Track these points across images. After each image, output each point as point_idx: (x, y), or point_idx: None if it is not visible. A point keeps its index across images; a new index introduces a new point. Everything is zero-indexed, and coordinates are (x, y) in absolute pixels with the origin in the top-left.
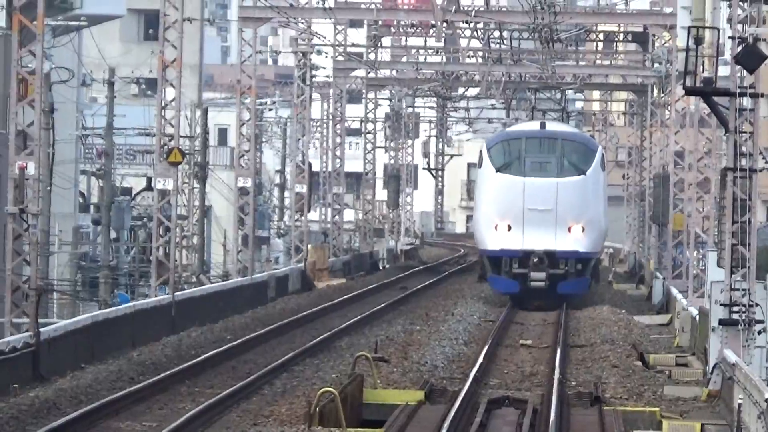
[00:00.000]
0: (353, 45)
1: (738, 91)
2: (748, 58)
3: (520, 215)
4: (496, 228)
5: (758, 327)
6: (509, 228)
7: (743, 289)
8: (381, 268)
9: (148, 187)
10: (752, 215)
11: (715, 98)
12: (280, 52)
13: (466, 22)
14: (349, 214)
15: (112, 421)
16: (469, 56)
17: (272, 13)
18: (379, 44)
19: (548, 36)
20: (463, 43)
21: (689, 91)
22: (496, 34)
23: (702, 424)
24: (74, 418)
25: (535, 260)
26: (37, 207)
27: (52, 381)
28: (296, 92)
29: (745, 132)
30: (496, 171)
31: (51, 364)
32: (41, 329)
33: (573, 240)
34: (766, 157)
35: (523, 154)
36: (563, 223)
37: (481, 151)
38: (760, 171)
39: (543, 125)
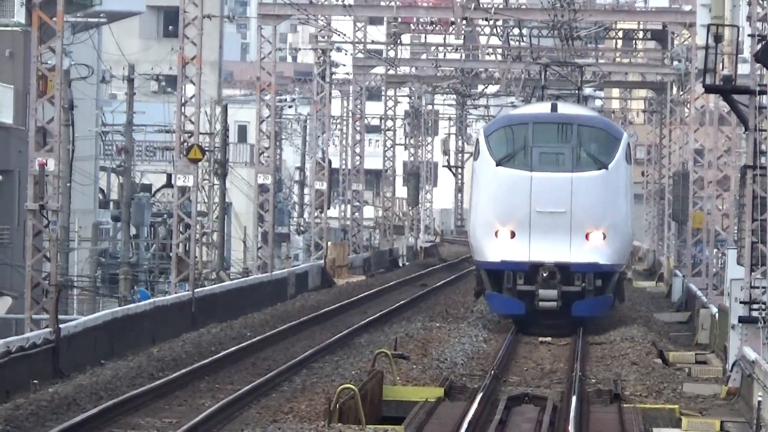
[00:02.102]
0: (373, 42)
1: (758, 88)
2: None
3: (526, 219)
4: (496, 235)
5: None
6: (513, 235)
7: (763, 287)
8: (401, 265)
9: (168, 184)
10: None
11: (735, 96)
12: (299, 49)
13: (486, 20)
14: (368, 212)
15: (132, 417)
16: (488, 53)
17: (292, 10)
18: (398, 41)
19: (568, 33)
20: (483, 40)
21: (709, 89)
22: (516, 31)
23: (721, 422)
24: (94, 415)
25: (544, 275)
26: (57, 203)
27: (72, 377)
28: (316, 89)
29: (766, 130)
30: (497, 164)
31: (70, 360)
32: (61, 325)
33: (592, 250)
34: None
35: (530, 143)
36: (580, 229)
37: (477, 140)
38: None
39: (555, 107)
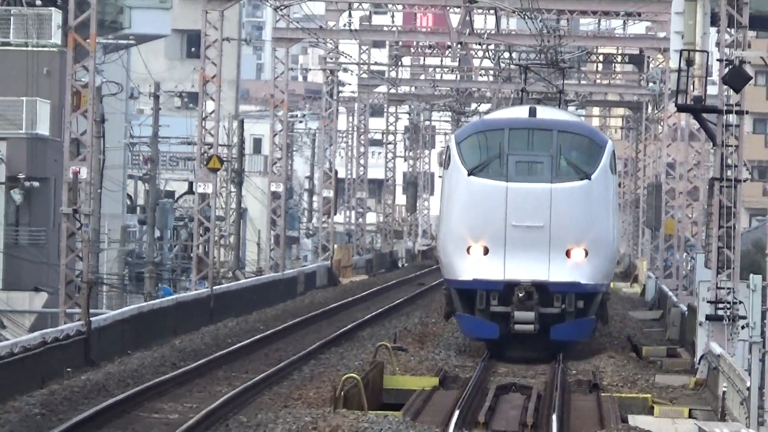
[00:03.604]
0: (376, 63)
1: (725, 108)
2: (735, 78)
3: (500, 234)
4: (468, 251)
5: (741, 322)
6: (486, 251)
7: (728, 288)
8: (400, 266)
9: (190, 191)
10: (736, 221)
11: (704, 115)
12: (309, 69)
13: (479, 44)
14: (371, 217)
15: (156, 403)
16: (481, 75)
17: (303, 34)
18: (399, 63)
19: (553, 57)
20: (476, 62)
21: (681, 108)
22: (506, 55)
23: (690, 410)
24: (121, 399)
25: (520, 295)
26: (89, 208)
27: (102, 365)
28: (324, 106)
29: (731, 146)
30: (469, 174)
31: (101, 351)
32: (92, 319)
33: (573, 268)
34: (749, 169)
35: (506, 150)
36: (560, 245)
37: (448, 147)
38: (744, 181)
39: (533, 111)
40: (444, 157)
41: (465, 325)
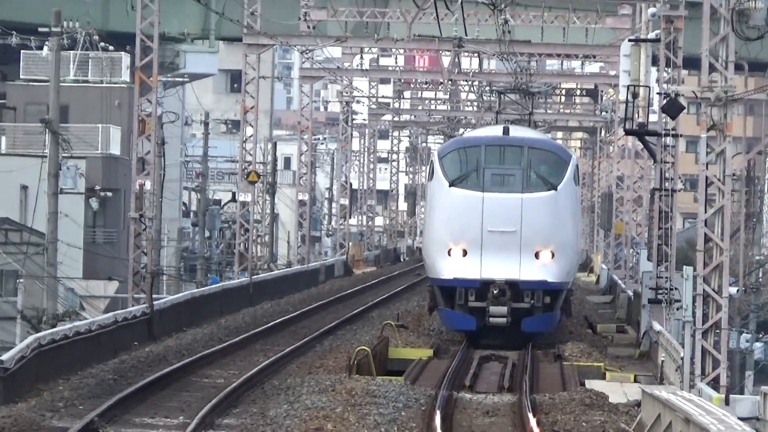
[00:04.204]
0: (382, 97)
1: (663, 132)
2: (671, 108)
3: (477, 238)
4: (449, 253)
5: (676, 305)
6: (465, 253)
7: (666, 277)
8: (402, 260)
9: (233, 200)
10: (673, 224)
11: (647, 137)
12: (329, 101)
13: (465, 81)
14: (378, 220)
15: (206, 370)
16: (467, 105)
17: (324, 73)
18: (401, 96)
19: (525, 91)
20: (463, 96)
21: (628, 132)
22: (487, 89)
23: (635, 375)
24: (178, 368)
25: (495, 292)
26: (152, 213)
27: (162, 340)
28: (341, 131)
29: (668, 162)
30: (450, 185)
31: (161, 328)
32: (154, 302)
33: (541, 268)
34: (683, 181)
35: (482, 164)
36: (529, 248)
37: (432, 161)
38: (679, 191)
39: (506, 130)
40: (428, 170)
41: (446, 318)
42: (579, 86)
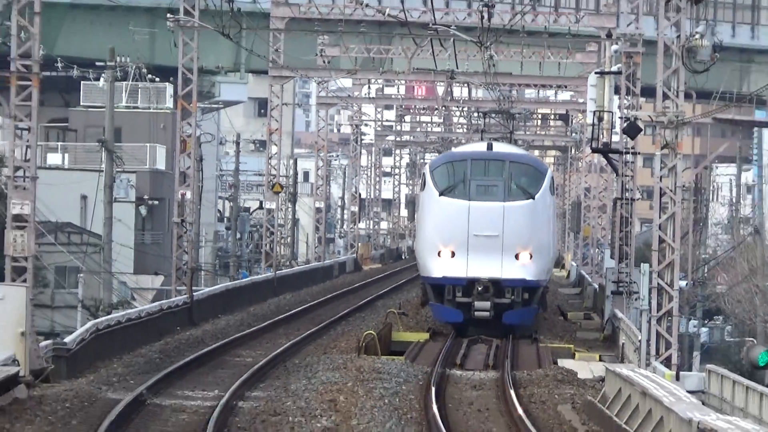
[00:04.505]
0: (386, 120)
1: (624, 150)
2: (630, 130)
3: (464, 241)
4: (439, 254)
5: (635, 296)
6: (453, 254)
7: (626, 273)
8: (403, 258)
9: (260, 207)
10: (632, 227)
11: (610, 155)
12: (341, 124)
13: (456, 107)
14: (383, 224)
15: (237, 350)
16: (458, 127)
17: (337, 100)
18: (402, 120)
19: (507, 113)
20: (455, 119)
21: (594, 150)
22: (475, 113)
23: (599, 355)
24: (214, 348)
25: (479, 289)
26: (192, 218)
27: (200, 325)
28: (351, 149)
29: (628, 176)
30: (440, 194)
31: (199, 315)
32: (194, 293)
33: (520, 268)
34: (641, 192)
35: (468, 176)
36: (510, 250)
37: (423, 173)
38: (637, 200)
39: (490, 146)
40: (420, 181)
41: (436, 311)
42: (553, 111)
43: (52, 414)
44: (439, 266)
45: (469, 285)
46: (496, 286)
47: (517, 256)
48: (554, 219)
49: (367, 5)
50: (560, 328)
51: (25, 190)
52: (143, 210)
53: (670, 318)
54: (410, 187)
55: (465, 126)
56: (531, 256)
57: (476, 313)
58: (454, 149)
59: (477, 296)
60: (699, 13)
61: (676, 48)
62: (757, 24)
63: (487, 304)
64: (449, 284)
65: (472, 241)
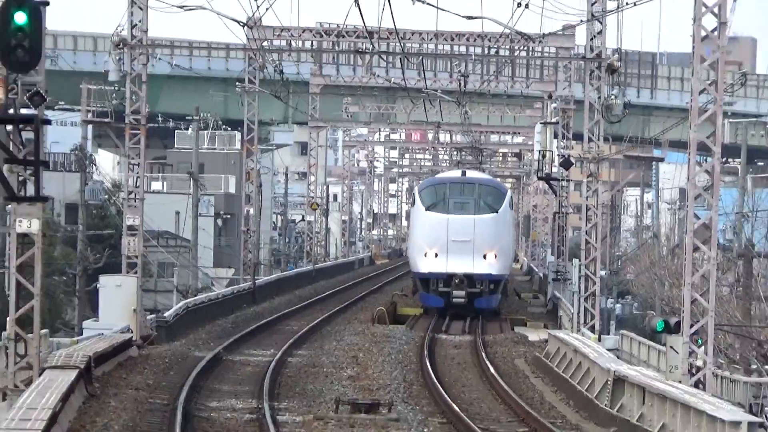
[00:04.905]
0: (392, 157)
1: (561, 178)
2: (565, 164)
3: (444, 245)
4: (425, 255)
5: (568, 282)
6: (436, 255)
7: (563, 265)
8: (403, 255)
9: (302, 219)
10: (566, 233)
11: (551, 182)
12: (360, 160)
13: (442, 147)
14: (390, 231)
15: (287, 320)
16: (443, 162)
17: (357, 143)
18: (403, 157)
19: (478, 152)
20: (441, 156)
21: (539, 178)
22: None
23: (544, 324)
24: (270, 320)
25: (456, 281)
26: (254, 228)
27: (260, 303)
28: (367, 178)
29: (563, 196)
30: (426, 209)
31: (260, 296)
32: (256, 281)
33: (487, 265)
34: (572, 208)
35: (448, 196)
36: (479, 251)
37: (413, 193)
38: (569, 214)
39: (464, 173)
40: (411, 199)
41: (423, 299)
42: (510, 151)
43: (155, 367)
44: (425, 264)
45: (448, 278)
46: (469, 279)
47: (485, 256)
48: (513, 227)
49: (378, 75)
50: (516, 305)
51: (135, 207)
52: (219, 222)
53: (593, 297)
54: (408, 205)
55: (447, 160)
56: (496, 256)
57: (454, 299)
58: (436, 175)
59: (455, 287)
60: (613, 80)
61: (598, 106)
62: (655, 88)
63: (462, 293)
64: (433, 278)
65: (450, 245)
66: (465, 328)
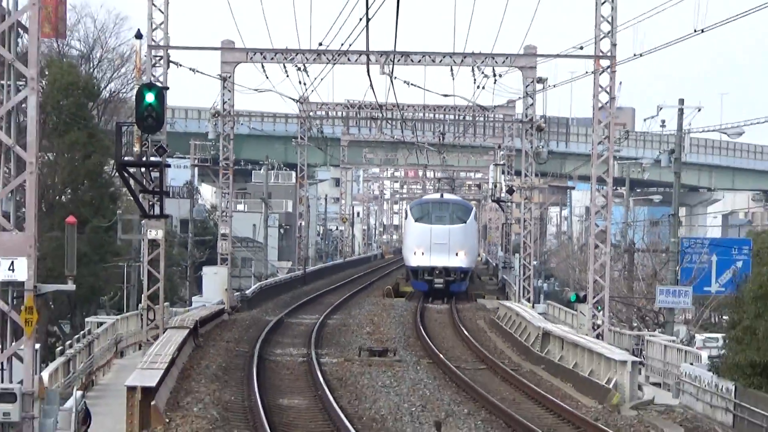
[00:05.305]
0: (395, 188)
1: (506, 201)
2: (509, 191)
3: (428, 246)
4: (415, 253)
5: (512, 269)
6: (422, 253)
7: (509, 258)
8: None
9: (337, 229)
10: (510, 237)
11: (500, 203)
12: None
13: (428, 180)
14: (394, 237)
15: (326, 296)
16: (429, 189)
17: (372, 179)
18: (402, 187)
19: (452, 182)
20: (428, 185)
21: (493, 200)
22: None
23: (497, 297)
24: (314, 296)
25: (437, 272)
26: (305, 235)
27: (308, 285)
28: (379, 201)
29: (508, 212)
30: (415, 221)
31: (309, 280)
32: (306, 270)
33: (459, 260)
34: (515, 220)
35: (430, 211)
36: (453, 250)
37: (406, 210)
38: (513, 224)
39: (442, 195)
40: (405, 214)
41: (413, 284)
42: (473, 182)
43: (239, 327)
44: (415, 259)
45: (431, 270)
46: (446, 270)
47: (457, 254)
48: (476, 233)
49: (385, 134)
50: (477, 284)
51: (226, 222)
52: (281, 231)
53: (528, 279)
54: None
55: (431, 188)
56: (465, 254)
57: (435, 285)
58: (422, 197)
59: (436, 276)
60: (540, 136)
61: (530, 153)
62: (568, 141)
63: (441, 280)
64: (420, 269)
65: (433, 246)
66: (444, 300)
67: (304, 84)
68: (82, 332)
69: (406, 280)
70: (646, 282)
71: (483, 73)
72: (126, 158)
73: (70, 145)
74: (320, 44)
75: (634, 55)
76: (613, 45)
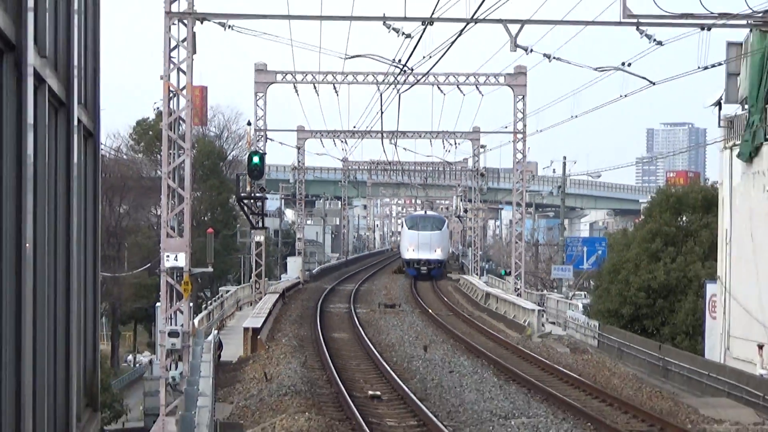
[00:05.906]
0: (397, 209)
1: (464, 217)
2: (465, 211)
3: (417, 245)
4: (408, 250)
5: (467, 257)
6: (413, 250)
7: (466, 251)
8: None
9: (365, 235)
10: (467, 240)
11: (461, 218)
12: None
13: (419, 205)
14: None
15: (360, 273)
16: (419, 207)
17: (385, 205)
18: (402, 209)
19: (431, 204)
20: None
21: (456, 217)
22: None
23: (459, 273)
24: (352, 273)
25: (422, 262)
26: (348, 241)
27: (349, 266)
28: (390, 219)
29: (467, 223)
30: (408, 229)
31: (350, 264)
32: (348, 258)
33: (437, 255)
34: (468, 229)
35: (418, 222)
36: (433, 248)
37: (402, 221)
38: (469, 230)
39: (426, 212)
40: (401, 224)
41: (407, 271)
42: (444, 206)
43: (309, 292)
44: (408, 254)
45: (418, 261)
46: (428, 261)
47: (436, 250)
48: (448, 237)
49: (393, 179)
50: (448, 267)
51: (300, 230)
52: (332, 235)
53: (477, 262)
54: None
55: (420, 208)
56: (441, 250)
57: (422, 271)
58: (413, 213)
59: (422, 265)
60: (483, 179)
61: (477, 188)
62: (499, 181)
63: (425, 268)
64: (412, 261)
65: (420, 245)
66: (428, 278)
67: (345, 150)
68: (217, 296)
69: (402, 266)
70: (546, 263)
71: (449, 142)
72: (242, 194)
73: (210, 187)
74: (354, 127)
75: (537, 131)
76: (524, 125)
